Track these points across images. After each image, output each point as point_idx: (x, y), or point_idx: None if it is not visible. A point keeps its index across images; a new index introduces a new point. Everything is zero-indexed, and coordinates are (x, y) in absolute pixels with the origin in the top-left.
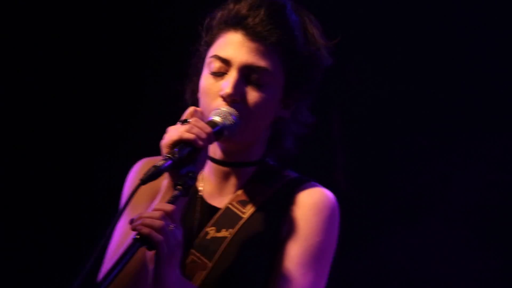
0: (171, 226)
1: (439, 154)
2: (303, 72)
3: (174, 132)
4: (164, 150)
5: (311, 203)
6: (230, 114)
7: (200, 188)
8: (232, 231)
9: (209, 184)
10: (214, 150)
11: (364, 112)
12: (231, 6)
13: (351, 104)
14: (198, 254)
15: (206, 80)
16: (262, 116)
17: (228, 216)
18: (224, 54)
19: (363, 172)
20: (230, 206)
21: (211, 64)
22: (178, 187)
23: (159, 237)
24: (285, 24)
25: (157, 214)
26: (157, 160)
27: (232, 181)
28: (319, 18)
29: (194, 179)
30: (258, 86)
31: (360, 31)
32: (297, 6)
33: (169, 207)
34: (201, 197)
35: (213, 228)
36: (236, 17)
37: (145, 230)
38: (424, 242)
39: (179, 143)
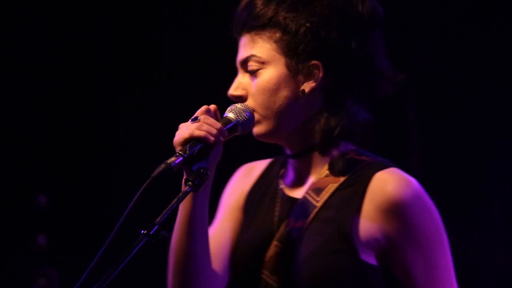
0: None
1: None
2: (294, 37)
3: (184, 130)
4: (177, 148)
5: (389, 196)
6: (244, 110)
7: (280, 184)
8: (307, 220)
9: (288, 178)
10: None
11: (440, 91)
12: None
13: (427, 83)
14: (281, 246)
15: None
16: (269, 97)
17: (304, 206)
18: None
19: (439, 156)
20: (306, 195)
21: None
22: (189, 183)
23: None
24: (257, 9)
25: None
26: (258, 165)
27: (308, 171)
28: None
29: (205, 175)
30: (254, 74)
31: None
32: None
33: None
34: (282, 191)
35: (292, 218)
36: (233, 23)
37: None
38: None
39: (190, 140)
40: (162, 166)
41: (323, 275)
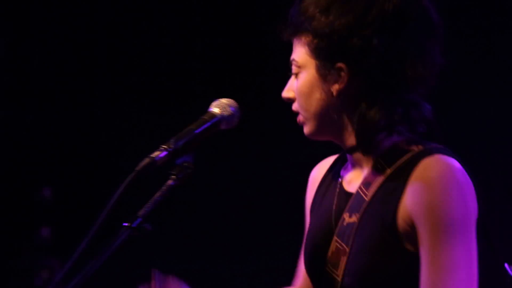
0: None
1: None
2: (321, 40)
3: None
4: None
5: (425, 177)
6: (229, 105)
7: (340, 178)
8: (358, 215)
9: (347, 172)
10: None
11: None
12: None
13: None
14: (339, 241)
15: None
16: (306, 100)
17: (357, 200)
18: None
19: None
20: (359, 189)
21: None
22: (172, 177)
23: None
24: (297, 12)
25: None
26: (326, 162)
27: (361, 165)
28: None
29: (189, 169)
30: (296, 77)
31: None
32: None
33: None
34: (340, 185)
35: (347, 213)
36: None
37: None
38: None
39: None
40: (146, 160)
41: (371, 271)
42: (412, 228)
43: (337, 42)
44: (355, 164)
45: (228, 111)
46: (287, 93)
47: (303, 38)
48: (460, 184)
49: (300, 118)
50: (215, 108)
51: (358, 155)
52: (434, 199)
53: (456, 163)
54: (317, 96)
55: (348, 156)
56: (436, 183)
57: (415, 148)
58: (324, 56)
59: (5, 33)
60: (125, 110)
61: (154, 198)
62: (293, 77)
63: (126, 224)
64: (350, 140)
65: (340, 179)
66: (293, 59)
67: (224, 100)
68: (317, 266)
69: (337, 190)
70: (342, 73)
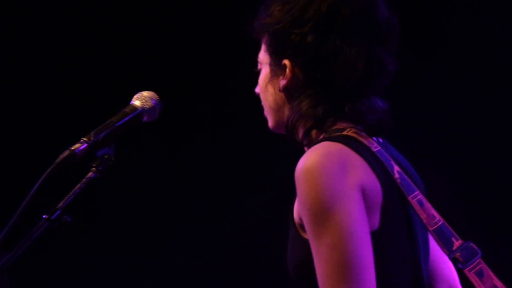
0: None
1: None
2: (272, 39)
3: None
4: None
5: (297, 169)
6: (150, 98)
7: None
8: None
9: None
10: None
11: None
12: None
13: None
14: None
15: None
16: (263, 95)
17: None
18: None
19: None
20: None
21: None
22: (93, 169)
23: None
24: (260, 13)
25: None
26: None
27: None
28: None
29: (110, 161)
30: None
31: None
32: None
33: None
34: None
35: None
36: None
37: None
38: None
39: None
40: (66, 152)
41: (291, 262)
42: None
43: (281, 39)
44: None
45: (149, 103)
46: (256, 88)
47: (262, 37)
48: (318, 172)
49: (264, 112)
50: (137, 101)
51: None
52: (299, 191)
53: (326, 149)
54: (271, 91)
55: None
56: (297, 175)
57: (321, 138)
58: (273, 53)
59: None
60: (46, 102)
61: (73, 190)
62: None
63: (45, 216)
64: (296, 133)
65: None
66: (258, 57)
67: (145, 93)
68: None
69: None
70: (287, 69)
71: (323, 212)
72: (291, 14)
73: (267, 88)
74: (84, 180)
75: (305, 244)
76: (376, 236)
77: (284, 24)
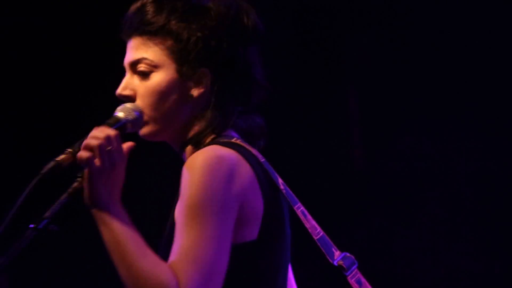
0: (109, 148)
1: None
2: (186, 45)
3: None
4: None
5: (187, 165)
6: (133, 109)
7: None
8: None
9: None
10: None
11: (381, 87)
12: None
13: (368, 79)
14: None
15: None
16: (159, 101)
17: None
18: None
19: (381, 150)
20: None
21: None
22: (79, 179)
23: (86, 154)
24: (152, 9)
25: (94, 134)
26: None
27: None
28: None
29: None
30: (144, 76)
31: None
32: None
33: (110, 131)
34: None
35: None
36: (123, 26)
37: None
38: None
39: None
40: (52, 163)
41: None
42: None
43: (204, 49)
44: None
45: (132, 115)
46: (125, 91)
47: (159, 39)
48: (205, 171)
49: (145, 118)
50: (120, 113)
51: (184, 155)
52: (186, 180)
53: (218, 152)
54: (174, 97)
55: (182, 155)
56: (188, 168)
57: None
58: (188, 61)
59: None
60: (32, 111)
61: (60, 200)
62: (131, 76)
63: (32, 225)
64: (183, 139)
65: None
66: (144, 58)
67: (128, 105)
68: None
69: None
70: (205, 78)
71: (198, 208)
72: (222, 24)
73: (168, 93)
74: (70, 190)
75: None
76: (253, 246)
77: (214, 33)
